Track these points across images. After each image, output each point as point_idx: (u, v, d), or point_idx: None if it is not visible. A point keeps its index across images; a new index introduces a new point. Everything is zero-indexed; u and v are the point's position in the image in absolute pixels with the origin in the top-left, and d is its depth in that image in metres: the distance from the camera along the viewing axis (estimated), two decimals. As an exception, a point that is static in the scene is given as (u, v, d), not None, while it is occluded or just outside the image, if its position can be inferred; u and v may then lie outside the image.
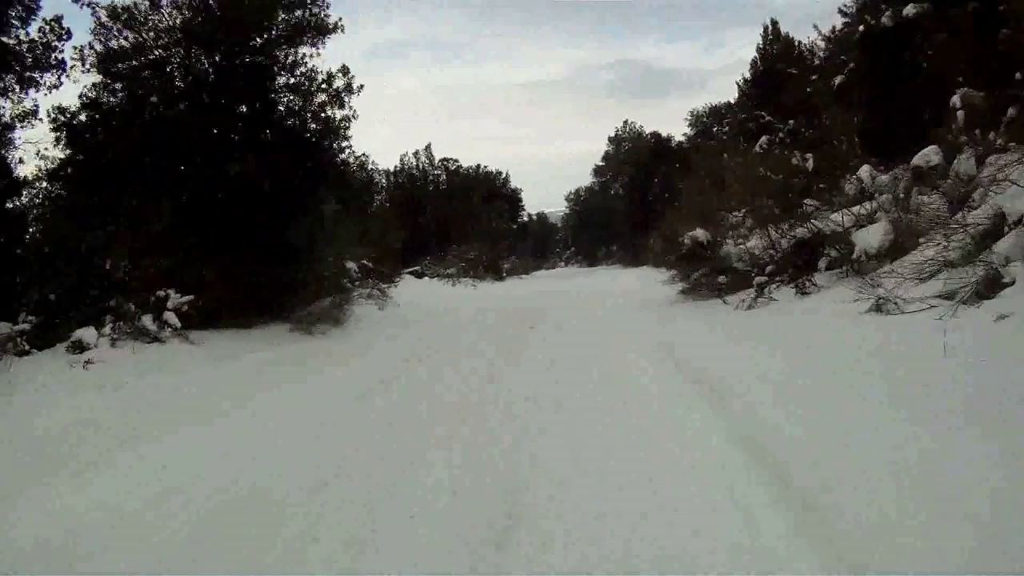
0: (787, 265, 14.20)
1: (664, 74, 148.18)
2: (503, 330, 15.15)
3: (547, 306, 20.60)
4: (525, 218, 72.79)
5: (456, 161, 48.16)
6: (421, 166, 50.27)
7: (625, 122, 60.02)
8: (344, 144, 17.53)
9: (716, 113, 49.00)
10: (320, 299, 16.88)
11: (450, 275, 32.43)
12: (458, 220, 40.52)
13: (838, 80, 20.84)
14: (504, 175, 62.47)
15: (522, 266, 50.86)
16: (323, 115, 17.09)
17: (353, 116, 17.08)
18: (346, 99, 16.95)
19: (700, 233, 17.31)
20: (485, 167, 61.01)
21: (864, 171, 14.31)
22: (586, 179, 76.29)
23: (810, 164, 16.37)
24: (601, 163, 65.67)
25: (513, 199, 61.43)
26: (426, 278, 32.76)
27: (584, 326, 15.27)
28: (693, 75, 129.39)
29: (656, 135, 51.44)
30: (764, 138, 31.71)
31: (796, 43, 36.03)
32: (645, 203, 48.63)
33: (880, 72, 17.03)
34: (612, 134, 60.81)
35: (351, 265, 23.57)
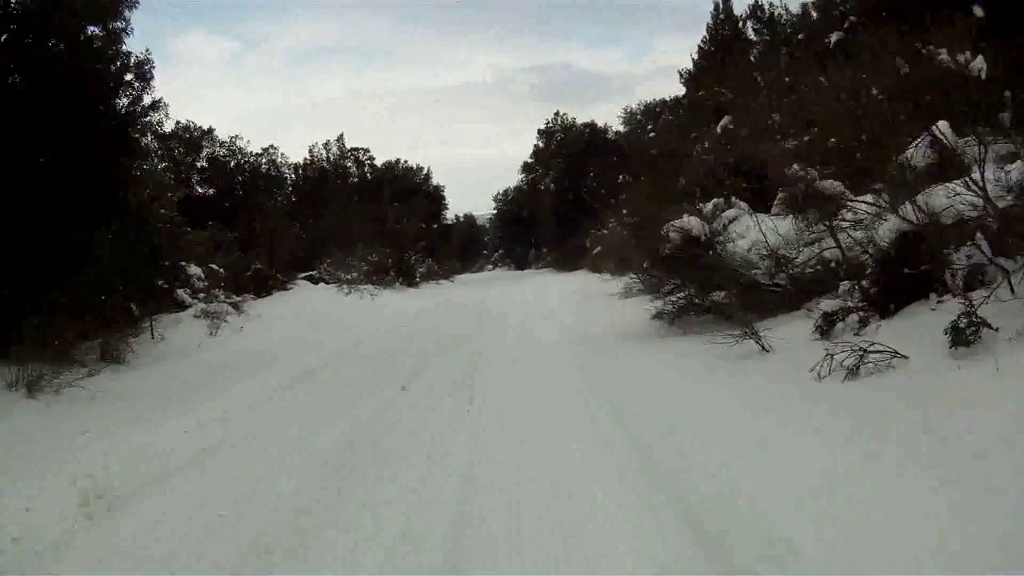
0: (879, 279, 8.27)
1: (590, 78, 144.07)
2: (359, 391, 9.55)
3: (445, 335, 15.13)
4: (449, 219, 67.29)
5: (368, 151, 42.50)
6: (331, 158, 44.39)
7: (556, 113, 55.01)
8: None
9: (650, 112, 44.34)
10: (117, 327, 11.27)
11: (349, 281, 26.80)
12: (365, 218, 34.79)
13: (834, 37, 16.01)
14: (425, 170, 56.89)
15: (443, 270, 45.42)
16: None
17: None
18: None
19: (694, 223, 11.96)
20: (405, 161, 55.40)
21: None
22: (516, 180, 71.04)
23: (977, 67, 7.89)
24: (530, 159, 60.51)
25: (435, 196, 55.84)
26: (322, 284, 27.08)
27: (510, 404, 8.16)
28: (620, 80, 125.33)
29: (591, 126, 46.58)
30: (726, 118, 26.96)
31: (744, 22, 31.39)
32: (578, 201, 43.61)
33: None
34: (542, 126, 55.71)
35: (194, 271, 17.86)
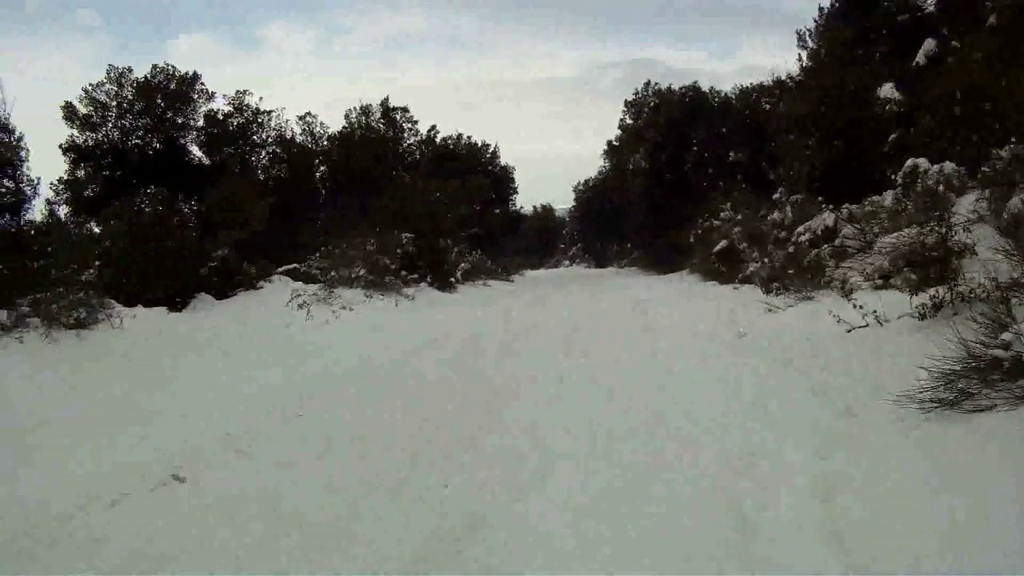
0: None
1: (674, 75, 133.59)
2: None
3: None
4: (523, 208, 57.20)
5: (408, 113, 32.75)
6: (372, 125, 34.68)
7: (647, 83, 44.36)
8: None
9: (763, 90, 33.37)
10: None
11: (344, 280, 17.22)
12: (404, 197, 25.00)
13: None
14: (492, 147, 47.03)
15: (502, 265, 35.52)
16: None
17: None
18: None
19: None
20: (468, 137, 45.67)
21: None
22: (598, 168, 60.53)
23: None
24: (615, 140, 50.05)
25: (500, 177, 45.98)
26: (300, 284, 17.56)
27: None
28: (706, 77, 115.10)
29: (693, 89, 35.95)
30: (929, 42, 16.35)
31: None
32: (679, 183, 33.08)
33: None
34: (630, 97, 45.10)
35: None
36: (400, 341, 10.77)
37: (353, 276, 17.45)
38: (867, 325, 7.70)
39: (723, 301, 13.08)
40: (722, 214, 29.21)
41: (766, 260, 15.13)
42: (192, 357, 9.59)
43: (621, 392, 6.93)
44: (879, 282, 9.27)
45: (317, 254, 20.08)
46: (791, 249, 13.64)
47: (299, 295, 14.16)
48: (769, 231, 16.27)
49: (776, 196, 17.37)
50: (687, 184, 32.22)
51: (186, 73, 27.55)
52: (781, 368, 7.21)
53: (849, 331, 7.78)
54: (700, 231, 29.36)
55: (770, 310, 10.10)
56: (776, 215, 15.90)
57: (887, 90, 16.39)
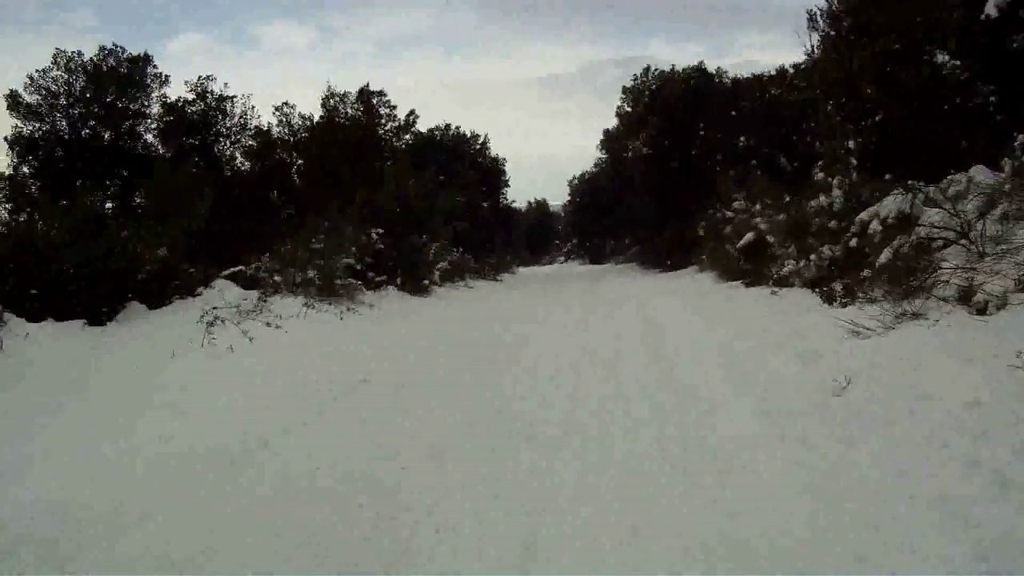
0: None
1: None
2: None
3: None
4: (516, 202, 53.70)
5: (386, 98, 29.27)
6: (348, 112, 31.11)
7: (647, 69, 40.85)
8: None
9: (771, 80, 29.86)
10: None
11: (288, 285, 13.95)
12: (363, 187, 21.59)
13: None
14: (481, 138, 43.58)
15: (491, 264, 32.20)
16: None
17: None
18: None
19: None
20: (457, 127, 42.25)
21: None
22: (594, 160, 56.99)
23: None
24: (612, 129, 46.56)
25: (490, 169, 42.61)
26: (237, 291, 14.23)
27: None
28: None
29: (699, 70, 32.49)
30: None
31: None
32: (685, 172, 29.75)
33: None
34: (628, 83, 41.61)
35: None
36: (299, 393, 7.32)
37: (298, 281, 14.13)
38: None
39: (768, 315, 9.75)
40: (734, 203, 25.96)
41: (812, 258, 11.83)
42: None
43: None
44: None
45: (266, 255, 16.75)
46: (852, 243, 10.35)
47: (215, 309, 10.81)
48: (810, 219, 12.98)
49: (818, 178, 14.08)
50: (693, 171, 28.88)
51: (137, 55, 24.19)
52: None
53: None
54: (708, 223, 26.14)
55: (856, 332, 6.80)
56: (821, 200, 12.59)
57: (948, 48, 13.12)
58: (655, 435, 5.37)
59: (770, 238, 14.95)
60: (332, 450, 5.45)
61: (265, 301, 12.53)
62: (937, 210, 9.02)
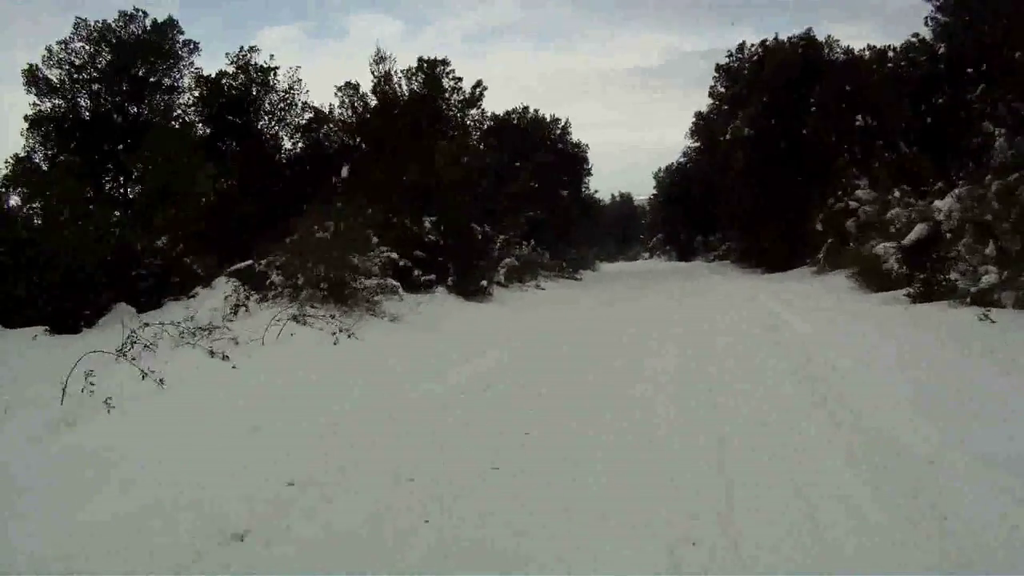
0: None
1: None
2: None
3: None
4: (599, 194, 49.13)
5: (453, 71, 25.53)
6: (408, 88, 27.39)
7: (742, 45, 35.99)
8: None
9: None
10: None
11: (287, 286, 10.51)
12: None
13: None
14: (562, 123, 39.51)
15: (569, 259, 28.33)
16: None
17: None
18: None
19: None
20: (536, 110, 38.21)
21: None
22: (683, 149, 52.29)
23: None
24: (706, 111, 41.85)
25: (571, 156, 38.56)
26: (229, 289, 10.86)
27: None
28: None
29: (807, 39, 27.59)
30: None
31: None
32: (794, 156, 25.20)
33: None
34: (723, 60, 36.81)
35: None
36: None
37: (300, 283, 10.62)
38: None
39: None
40: (858, 192, 21.47)
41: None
42: None
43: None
44: None
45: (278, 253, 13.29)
46: None
47: (163, 325, 7.36)
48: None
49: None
50: (806, 155, 24.34)
51: (163, 21, 21.05)
52: None
53: None
54: (827, 215, 21.69)
55: None
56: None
57: None
58: None
59: (951, 234, 10.67)
60: None
61: (235, 313, 9.08)
62: None
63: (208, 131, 21.61)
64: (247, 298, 9.61)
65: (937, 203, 13.28)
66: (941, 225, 11.00)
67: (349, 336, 8.36)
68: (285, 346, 7.53)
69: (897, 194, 16.70)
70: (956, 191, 12.73)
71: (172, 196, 13.74)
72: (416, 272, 15.27)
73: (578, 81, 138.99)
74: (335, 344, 7.92)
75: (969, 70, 20.04)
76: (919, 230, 11.10)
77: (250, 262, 13.28)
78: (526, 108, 37.54)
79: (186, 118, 21.57)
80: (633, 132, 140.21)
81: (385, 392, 6.38)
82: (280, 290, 11.65)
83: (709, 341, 9.07)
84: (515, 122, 36.58)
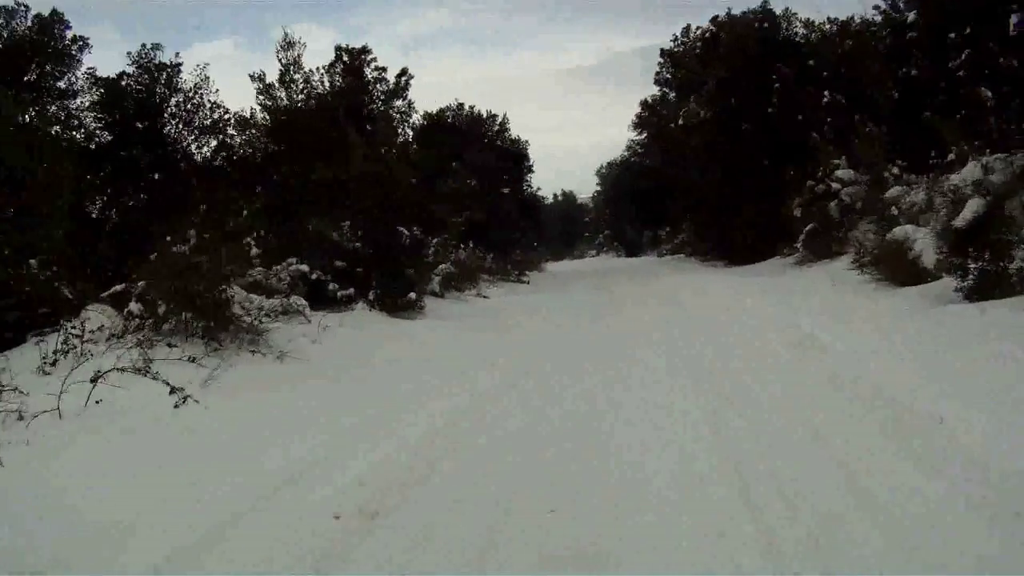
0: None
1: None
2: None
3: None
4: (541, 191, 46.06)
5: (375, 60, 22.40)
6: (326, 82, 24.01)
7: (687, 28, 33.52)
8: None
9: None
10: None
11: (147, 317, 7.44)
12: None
13: None
14: (501, 118, 36.62)
15: (518, 262, 25.51)
16: None
17: None
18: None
19: None
20: (471, 107, 35.30)
21: None
22: (626, 142, 49.78)
23: None
24: (650, 99, 39.36)
25: (511, 153, 35.65)
26: (102, 321, 7.72)
27: None
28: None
29: (765, 11, 25.09)
30: None
31: None
32: (757, 137, 22.69)
33: None
34: (668, 45, 34.23)
35: None
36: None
37: (161, 312, 7.57)
38: None
39: None
40: (838, 172, 19.05)
41: None
42: None
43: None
44: None
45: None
46: None
47: None
48: None
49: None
50: (774, 136, 21.83)
51: (44, 15, 17.45)
52: None
53: None
54: (800, 203, 19.22)
55: None
56: None
57: None
58: None
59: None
60: None
61: (54, 364, 5.98)
62: None
63: (109, 138, 18.07)
64: (79, 338, 6.46)
65: (954, 176, 10.76)
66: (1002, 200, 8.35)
67: (180, 402, 5.25)
68: (85, 421, 4.51)
69: (896, 171, 14.24)
70: (984, 159, 10.23)
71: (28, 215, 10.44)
72: (332, 286, 12.29)
73: (512, 84, 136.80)
74: (175, 407, 4.90)
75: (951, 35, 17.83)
76: (974, 206, 8.40)
77: (126, 285, 10.16)
78: (461, 105, 34.64)
79: (83, 127, 18.02)
80: (573, 132, 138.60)
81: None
82: (140, 322, 8.57)
83: (753, 396, 6.00)
84: (450, 120, 33.70)
